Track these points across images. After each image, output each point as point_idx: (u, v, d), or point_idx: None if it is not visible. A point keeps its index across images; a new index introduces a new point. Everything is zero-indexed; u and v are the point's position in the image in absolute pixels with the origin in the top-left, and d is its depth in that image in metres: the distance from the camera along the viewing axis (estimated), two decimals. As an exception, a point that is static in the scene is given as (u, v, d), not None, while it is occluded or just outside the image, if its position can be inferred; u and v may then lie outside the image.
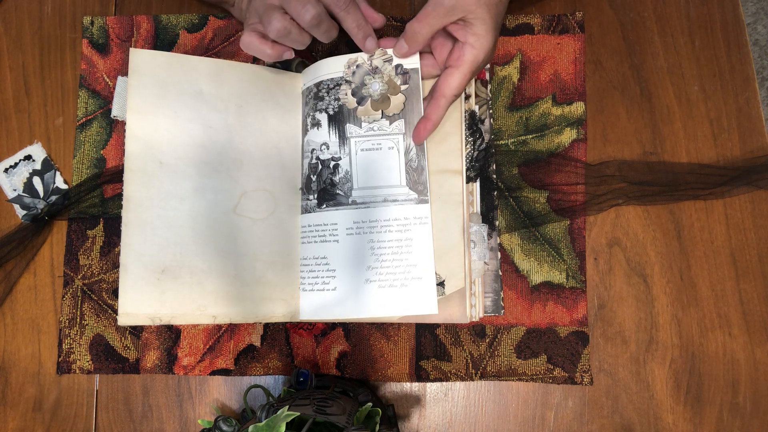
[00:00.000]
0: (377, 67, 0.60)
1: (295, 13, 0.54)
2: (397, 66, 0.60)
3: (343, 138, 0.60)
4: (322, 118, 0.61)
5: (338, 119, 0.60)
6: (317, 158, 0.61)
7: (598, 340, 0.60)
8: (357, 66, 0.60)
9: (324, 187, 0.60)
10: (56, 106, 0.66)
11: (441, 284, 0.58)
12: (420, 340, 0.61)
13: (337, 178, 0.60)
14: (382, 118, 0.60)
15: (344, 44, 0.65)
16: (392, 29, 0.65)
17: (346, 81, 0.60)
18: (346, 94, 0.60)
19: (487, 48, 0.55)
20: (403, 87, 0.60)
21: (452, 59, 0.57)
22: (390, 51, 0.60)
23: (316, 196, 0.61)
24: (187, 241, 0.59)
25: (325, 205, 0.60)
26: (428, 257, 0.58)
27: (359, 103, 0.60)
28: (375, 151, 0.60)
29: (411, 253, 0.58)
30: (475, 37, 0.55)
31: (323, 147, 0.61)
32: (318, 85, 0.61)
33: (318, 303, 0.60)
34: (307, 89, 0.63)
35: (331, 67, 0.61)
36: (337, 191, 0.60)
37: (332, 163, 0.60)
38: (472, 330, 0.61)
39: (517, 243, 0.61)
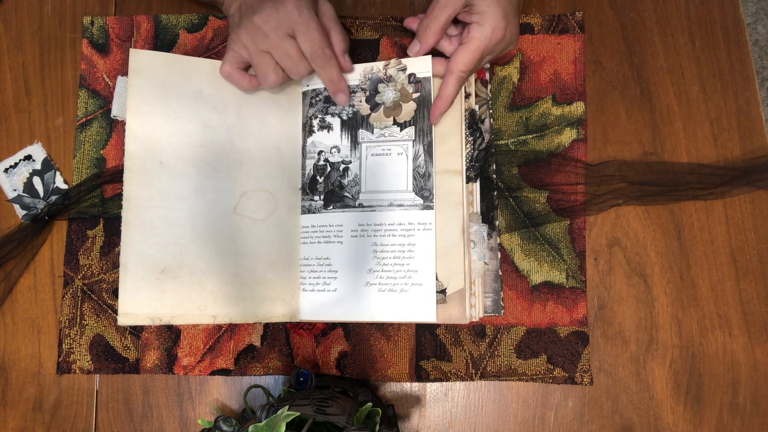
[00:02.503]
0: (391, 76, 0.61)
1: (286, 68, 0.58)
2: (410, 75, 0.61)
3: (354, 142, 0.61)
4: (334, 122, 0.62)
5: (351, 124, 0.62)
6: (326, 160, 0.62)
7: (598, 340, 0.60)
8: (372, 74, 0.62)
9: (332, 188, 0.61)
10: (56, 106, 0.66)
11: (442, 292, 0.58)
12: (420, 340, 0.61)
13: (345, 181, 0.61)
14: (393, 124, 0.61)
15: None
16: (392, 29, 0.65)
17: (361, 89, 0.62)
18: (361, 101, 0.62)
19: (494, 24, 0.55)
20: (414, 95, 0.61)
21: (462, 39, 0.57)
22: (404, 61, 0.61)
23: (322, 197, 0.61)
24: (187, 241, 0.59)
25: (331, 207, 0.61)
26: (430, 264, 0.58)
27: (372, 109, 0.61)
28: (384, 156, 0.61)
29: (413, 259, 0.58)
30: (480, 14, 0.55)
31: (333, 150, 0.62)
32: None
33: (318, 303, 0.60)
34: (313, 91, 0.63)
35: (347, 75, 0.62)
36: (345, 194, 0.61)
37: (342, 166, 0.61)
38: (472, 330, 0.61)
39: (517, 243, 0.61)
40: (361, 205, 0.60)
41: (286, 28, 0.56)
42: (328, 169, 0.62)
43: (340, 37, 0.59)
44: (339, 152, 0.62)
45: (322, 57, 0.57)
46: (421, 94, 0.60)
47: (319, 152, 0.62)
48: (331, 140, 0.62)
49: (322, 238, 0.61)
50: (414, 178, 0.60)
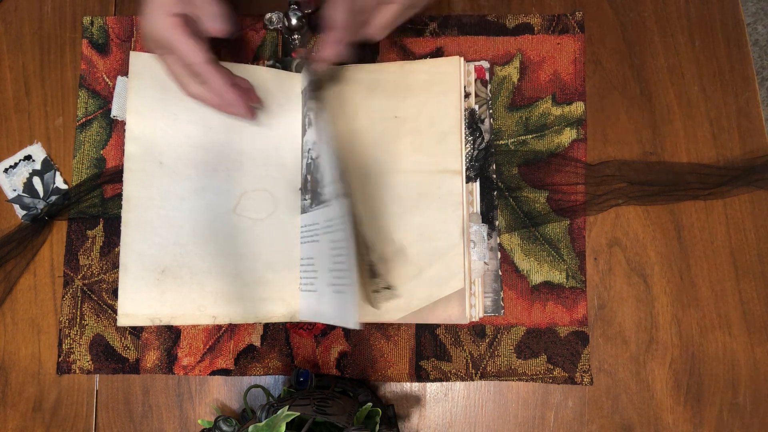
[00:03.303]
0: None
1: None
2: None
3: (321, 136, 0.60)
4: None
5: None
6: (312, 157, 0.61)
7: (598, 340, 0.60)
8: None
9: (315, 186, 0.60)
10: (56, 106, 0.66)
11: (388, 288, 0.56)
12: (420, 340, 0.61)
13: (318, 177, 0.59)
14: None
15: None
16: (392, 29, 0.65)
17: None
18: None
19: None
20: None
21: None
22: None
23: (310, 195, 0.61)
24: (187, 241, 0.59)
25: (314, 204, 0.60)
26: (351, 262, 0.50)
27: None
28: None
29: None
30: None
31: (314, 146, 0.61)
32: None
33: (311, 304, 0.60)
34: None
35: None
36: (318, 189, 0.59)
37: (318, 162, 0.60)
38: (472, 330, 0.61)
39: (517, 243, 0.61)
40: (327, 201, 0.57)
41: (157, 40, 0.51)
42: (312, 165, 0.61)
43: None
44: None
45: (201, 70, 0.51)
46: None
47: (309, 150, 0.62)
48: (313, 137, 0.62)
49: (310, 238, 0.59)
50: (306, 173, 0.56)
